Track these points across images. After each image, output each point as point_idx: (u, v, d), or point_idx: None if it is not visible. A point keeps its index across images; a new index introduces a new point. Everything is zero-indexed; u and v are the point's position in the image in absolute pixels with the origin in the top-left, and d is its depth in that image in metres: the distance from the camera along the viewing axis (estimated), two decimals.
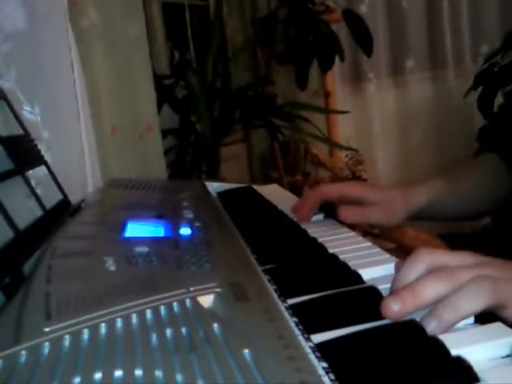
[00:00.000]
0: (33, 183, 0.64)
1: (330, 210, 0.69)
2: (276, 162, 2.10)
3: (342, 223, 0.65)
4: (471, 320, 0.36)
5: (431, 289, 0.37)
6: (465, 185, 0.77)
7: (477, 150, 0.86)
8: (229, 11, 2.09)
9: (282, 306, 0.40)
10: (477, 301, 0.36)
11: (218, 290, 0.40)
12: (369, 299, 0.40)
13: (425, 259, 0.41)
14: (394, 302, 0.36)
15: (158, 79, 1.42)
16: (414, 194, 0.70)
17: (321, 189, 0.69)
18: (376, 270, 0.47)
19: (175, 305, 0.37)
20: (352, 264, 0.48)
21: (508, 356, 0.32)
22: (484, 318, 0.36)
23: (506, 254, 0.43)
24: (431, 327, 0.34)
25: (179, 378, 0.28)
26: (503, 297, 0.36)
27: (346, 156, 2.30)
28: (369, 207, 0.67)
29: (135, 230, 0.56)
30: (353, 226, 0.65)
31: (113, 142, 1.07)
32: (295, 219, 0.68)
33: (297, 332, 0.35)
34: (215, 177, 1.60)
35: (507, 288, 0.37)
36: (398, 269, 0.44)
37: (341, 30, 2.19)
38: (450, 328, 0.35)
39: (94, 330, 0.34)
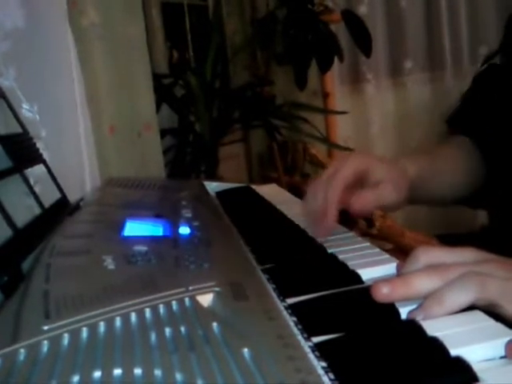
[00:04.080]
0: (31, 181, 0.64)
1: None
2: (274, 162, 2.10)
3: (341, 223, 0.65)
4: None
5: (422, 282, 0.39)
6: (441, 166, 0.72)
7: (446, 132, 0.81)
8: (228, 11, 2.09)
9: (281, 306, 0.40)
10: (461, 295, 0.37)
11: (216, 289, 0.40)
12: (368, 299, 0.40)
13: (424, 256, 0.42)
14: (384, 285, 0.38)
15: (156, 79, 1.41)
16: (405, 168, 0.65)
17: (338, 183, 0.57)
18: (375, 270, 0.47)
19: (174, 304, 0.37)
20: (351, 264, 0.48)
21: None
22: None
23: (502, 254, 0.43)
24: (418, 319, 0.36)
25: (178, 376, 0.28)
26: (493, 294, 0.37)
27: None
28: (380, 188, 0.58)
29: (134, 228, 0.56)
30: (351, 226, 0.64)
31: (111, 140, 1.07)
32: (294, 217, 0.67)
33: (296, 331, 0.35)
34: (214, 176, 1.60)
35: (499, 286, 0.37)
36: (399, 269, 0.45)
37: (340, 30, 2.19)
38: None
39: (92, 328, 0.34)
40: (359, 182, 0.60)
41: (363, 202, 0.57)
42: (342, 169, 0.58)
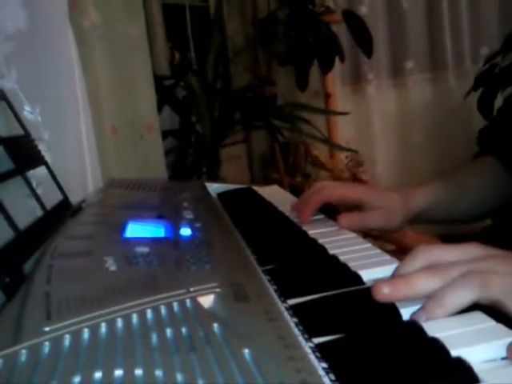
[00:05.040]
0: (33, 183, 0.64)
1: (329, 211, 0.69)
2: (276, 163, 2.10)
3: None
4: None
5: (423, 282, 0.39)
6: (464, 186, 0.77)
7: (476, 152, 0.86)
8: (229, 12, 2.09)
9: (282, 307, 0.40)
10: (462, 296, 0.37)
11: (218, 290, 0.40)
12: (369, 300, 0.40)
13: (424, 255, 0.42)
14: (385, 285, 0.38)
15: (158, 80, 1.42)
16: (412, 197, 0.71)
17: (323, 191, 0.67)
18: (376, 271, 0.47)
19: (175, 305, 0.37)
20: (352, 265, 0.48)
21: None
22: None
23: None
24: (421, 321, 0.36)
25: (179, 377, 0.29)
26: (496, 293, 0.36)
27: (346, 157, 2.30)
28: (368, 212, 0.67)
29: (136, 230, 0.56)
30: None
31: (113, 142, 1.08)
32: (295, 219, 0.68)
33: (297, 332, 0.35)
34: (215, 178, 1.60)
35: (502, 283, 0.37)
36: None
37: (341, 31, 2.19)
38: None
39: (94, 329, 0.34)
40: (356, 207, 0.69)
41: (347, 221, 0.64)
42: (326, 189, 0.68)
